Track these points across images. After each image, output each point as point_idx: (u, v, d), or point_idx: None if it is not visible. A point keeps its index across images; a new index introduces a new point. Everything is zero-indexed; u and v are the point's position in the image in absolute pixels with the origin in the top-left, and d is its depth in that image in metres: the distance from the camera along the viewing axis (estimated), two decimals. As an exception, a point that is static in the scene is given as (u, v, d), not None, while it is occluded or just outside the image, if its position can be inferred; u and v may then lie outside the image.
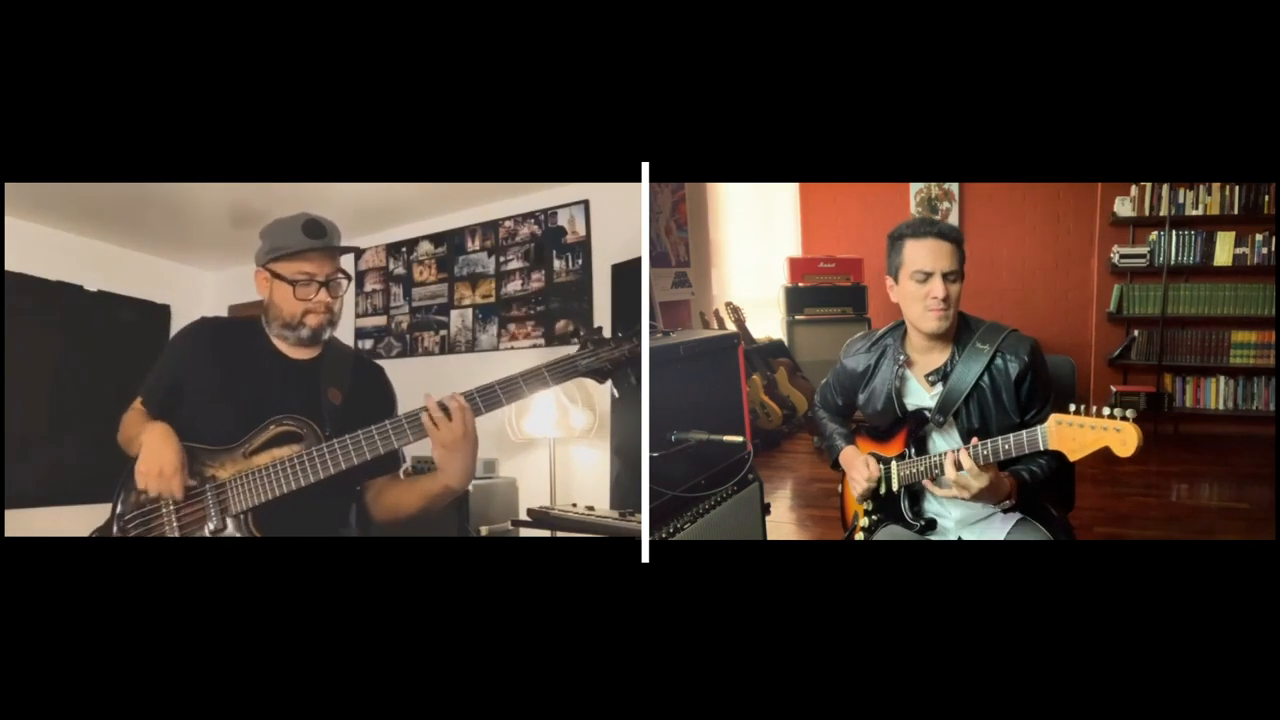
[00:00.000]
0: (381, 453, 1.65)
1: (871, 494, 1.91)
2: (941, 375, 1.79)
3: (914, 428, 1.83)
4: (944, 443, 1.83)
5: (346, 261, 1.90)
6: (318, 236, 1.75)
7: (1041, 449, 1.61)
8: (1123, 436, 1.52)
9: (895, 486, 1.87)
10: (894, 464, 1.87)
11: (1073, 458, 1.59)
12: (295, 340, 1.79)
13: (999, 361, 1.74)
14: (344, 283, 1.80)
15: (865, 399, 1.92)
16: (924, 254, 1.74)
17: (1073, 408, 1.57)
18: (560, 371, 1.65)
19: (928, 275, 1.73)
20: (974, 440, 1.68)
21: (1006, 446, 1.65)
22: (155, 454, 1.66)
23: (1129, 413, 1.52)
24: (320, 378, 1.80)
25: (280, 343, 1.82)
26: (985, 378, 1.75)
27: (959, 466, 1.67)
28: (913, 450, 1.83)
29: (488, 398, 1.64)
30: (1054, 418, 1.59)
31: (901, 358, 1.84)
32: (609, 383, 1.70)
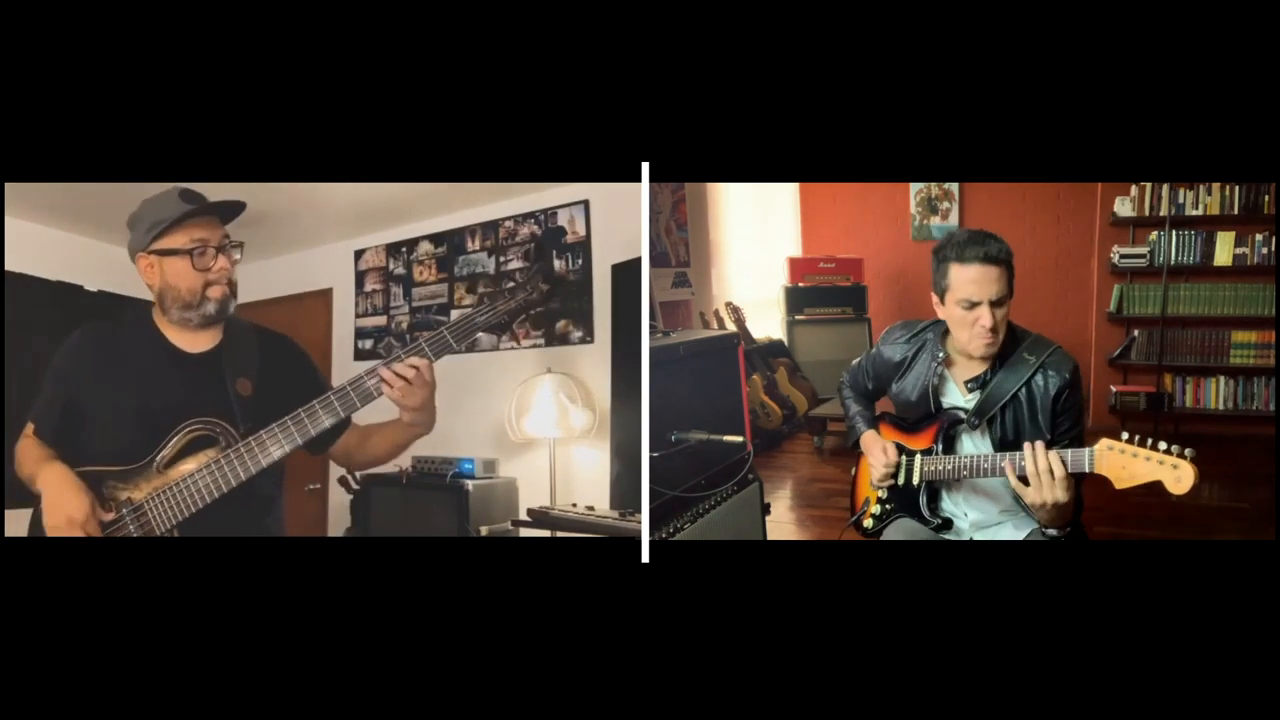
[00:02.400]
0: (313, 434, 1.56)
1: (889, 482, 1.91)
2: (980, 383, 1.78)
3: (945, 426, 1.82)
4: (973, 446, 1.83)
5: (342, 259, 1.88)
6: (198, 202, 1.63)
7: (1086, 471, 1.58)
8: (1179, 474, 1.49)
9: (916, 480, 1.87)
10: (919, 458, 1.86)
11: (1119, 486, 1.55)
12: (200, 321, 1.66)
13: (1040, 376, 1.73)
14: (237, 250, 1.67)
15: (899, 389, 1.92)
16: (969, 282, 1.68)
17: (1124, 435, 1.54)
18: (460, 332, 1.59)
19: (974, 304, 1.69)
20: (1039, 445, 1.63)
21: None
22: (60, 504, 1.55)
23: (1189, 451, 1.49)
24: (225, 368, 1.67)
25: (177, 333, 1.69)
26: (1024, 389, 1.74)
27: (1036, 468, 1.59)
28: (940, 448, 1.82)
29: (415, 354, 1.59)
30: (1104, 442, 1.56)
31: (941, 355, 1.82)
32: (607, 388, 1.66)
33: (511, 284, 1.65)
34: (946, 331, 1.84)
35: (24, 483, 1.66)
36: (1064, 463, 1.59)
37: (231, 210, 1.70)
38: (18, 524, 1.73)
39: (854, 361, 2.12)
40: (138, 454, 1.60)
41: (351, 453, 1.85)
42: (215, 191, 1.73)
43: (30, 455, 1.67)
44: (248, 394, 1.66)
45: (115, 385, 1.65)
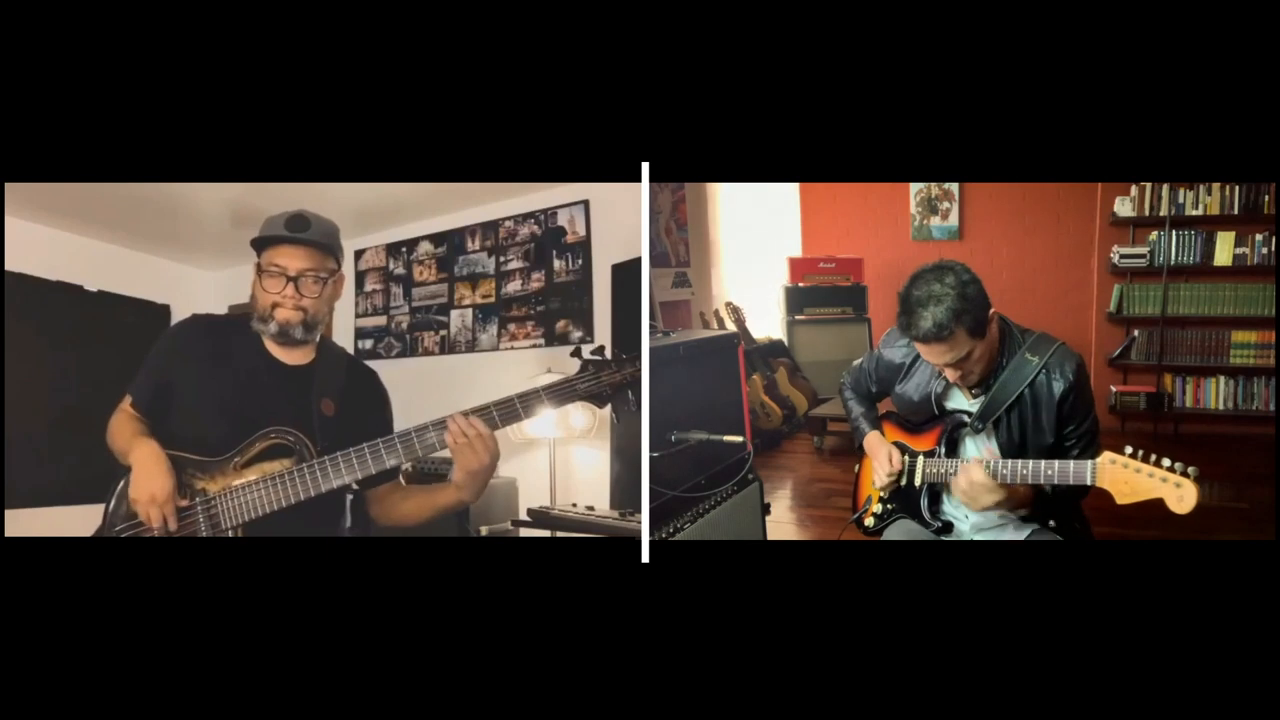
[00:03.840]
0: (386, 467, 1.62)
1: (893, 487, 1.91)
2: (985, 388, 1.77)
3: (949, 429, 1.81)
4: (976, 449, 1.82)
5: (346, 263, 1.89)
6: (298, 231, 1.72)
7: (1088, 484, 1.58)
8: (1181, 493, 1.48)
9: (918, 483, 1.87)
10: (921, 459, 1.86)
11: (1120, 501, 1.54)
12: (268, 334, 1.75)
13: (1043, 377, 1.72)
14: (319, 284, 1.74)
15: (902, 391, 1.91)
16: (922, 351, 1.71)
17: (1129, 450, 1.53)
18: (558, 394, 1.63)
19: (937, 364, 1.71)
20: (991, 455, 1.68)
21: (1050, 472, 1.62)
22: (147, 480, 1.62)
23: (1192, 470, 1.48)
24: (314, 386, 1.76)
25: (270, 344, 1.77)
26: (1028, 390, 1.72)
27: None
28: (944, 450, 1.82)
29: (485, 421, 1.62)
30: (1106, 455, 1.55)
31: None
32: (608, 406, 1.67)
33: (624, 356, 1.67)
34: None
35: (115, 455, 1.72)
36: (992, 473, 1.66)
37: (330, 251, 1.76)
38: (18, 524, 1.73)
39: (854, 363, 2.11)
40: (218, 447, 1.67)
41: (384, 502, 1.85)
42: (224, 194, 1.75)
43: (126, 429, 1.73)
44: (330, 414, 1.73)
45: (212, 377, 1.73)
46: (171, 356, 1.77)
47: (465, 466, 1.61)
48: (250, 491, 1.63)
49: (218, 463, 1.66)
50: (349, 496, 1.82)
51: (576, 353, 1.67)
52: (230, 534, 1.64)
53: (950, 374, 1.71)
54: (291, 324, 1.73)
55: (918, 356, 1.87)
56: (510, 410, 1.61)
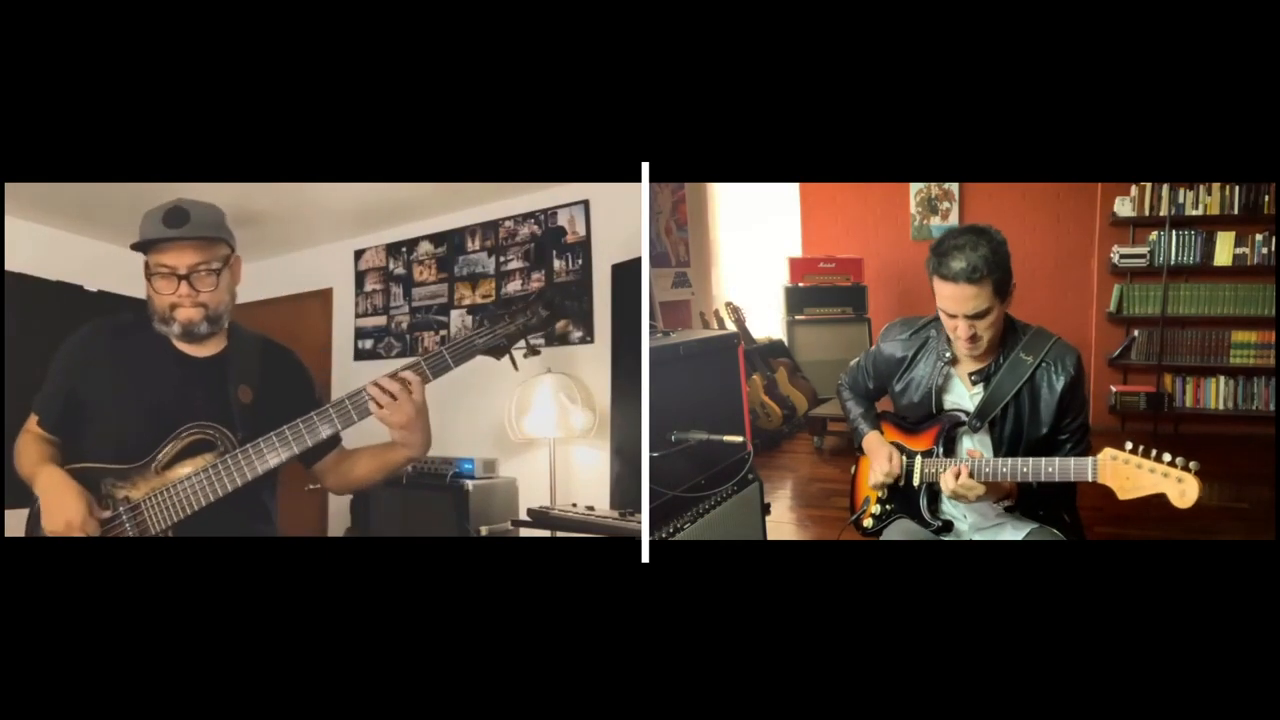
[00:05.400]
0: (310, 445, 1.60)
1: (890, 485, 1.91)
2: (984, 376, 1.78)
3: (947, 428, 1.81)
4: (974, 446, 1.82)
5: (342, 259, 1.88)
6: (177, 225, 1.63)
7: (1090, 481, 1.59)
8: (1183, 487, 1.49)
9: (916, 482, 1.86)
10: (919, 459, 1.86)
11: (1122, 496, 1.55)
12: (175, 335, 1.68)
13: (1042, 372, 1.73)
14: (214, 275, 1.66)
15: (901, 388, 1.91)
16: (947, 296, 1.68)
17: (1129, 445, 1.53)
18: (460, 352, 1.64)
19: (952, 315, 1.70)
20: (975, 455, 1.70)
21: (1050, 470, 1.63)
22: (58, 508, 1.57)
23: (1193, 464, 1.48)
24: (229, 375, 1.71)
25: (176, 340, 1.70)
26: (1026, 387, 1.73)
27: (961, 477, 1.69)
28: (942, 449, 1.82)
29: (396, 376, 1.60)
30: (1108, 452, 1.56)
31: (948, 354, 1.81)
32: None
33: (514, 307, 1.68)
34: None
35: (22, 479, 1.67)
36: (975, 473, 1.69)
37: (218, 242, 1.69)
38: (18, 524, 1.73)
39: (852, 363, 2.11)
40: (137, 452, 1.62)
41: (335, 471, 1.85)
42: (223, 194, 1.74)
43: (29, 453, 1.69)
44: (248, 401, 1.69)
45: (119, 381, 1.67)
46: (76, 367, 1.70)
47: (394, 423, 1.60)
48: (177, 491, 1.60)
49: (138, 468, 1.62)
50: (349, 497, 1.82)
51: (474, 310, 1.68)
52: (168, 537, 1.61)
53: (963, 332, 1.68)
54: (194, 322, 1.67)
55: (918, 350, 1.87)
56: (413, 368, 1.61)
